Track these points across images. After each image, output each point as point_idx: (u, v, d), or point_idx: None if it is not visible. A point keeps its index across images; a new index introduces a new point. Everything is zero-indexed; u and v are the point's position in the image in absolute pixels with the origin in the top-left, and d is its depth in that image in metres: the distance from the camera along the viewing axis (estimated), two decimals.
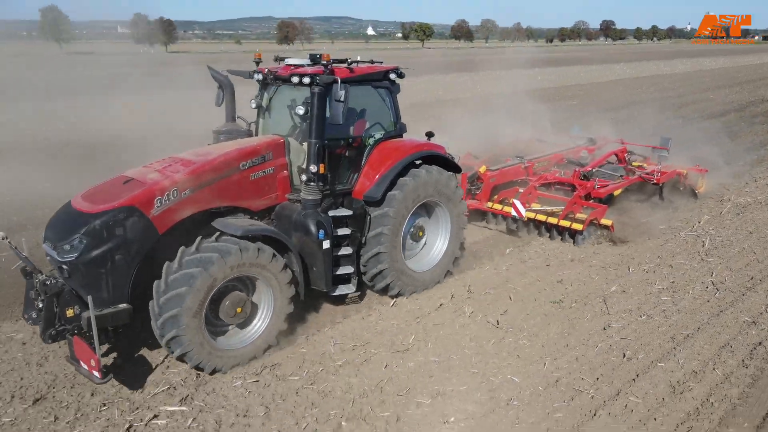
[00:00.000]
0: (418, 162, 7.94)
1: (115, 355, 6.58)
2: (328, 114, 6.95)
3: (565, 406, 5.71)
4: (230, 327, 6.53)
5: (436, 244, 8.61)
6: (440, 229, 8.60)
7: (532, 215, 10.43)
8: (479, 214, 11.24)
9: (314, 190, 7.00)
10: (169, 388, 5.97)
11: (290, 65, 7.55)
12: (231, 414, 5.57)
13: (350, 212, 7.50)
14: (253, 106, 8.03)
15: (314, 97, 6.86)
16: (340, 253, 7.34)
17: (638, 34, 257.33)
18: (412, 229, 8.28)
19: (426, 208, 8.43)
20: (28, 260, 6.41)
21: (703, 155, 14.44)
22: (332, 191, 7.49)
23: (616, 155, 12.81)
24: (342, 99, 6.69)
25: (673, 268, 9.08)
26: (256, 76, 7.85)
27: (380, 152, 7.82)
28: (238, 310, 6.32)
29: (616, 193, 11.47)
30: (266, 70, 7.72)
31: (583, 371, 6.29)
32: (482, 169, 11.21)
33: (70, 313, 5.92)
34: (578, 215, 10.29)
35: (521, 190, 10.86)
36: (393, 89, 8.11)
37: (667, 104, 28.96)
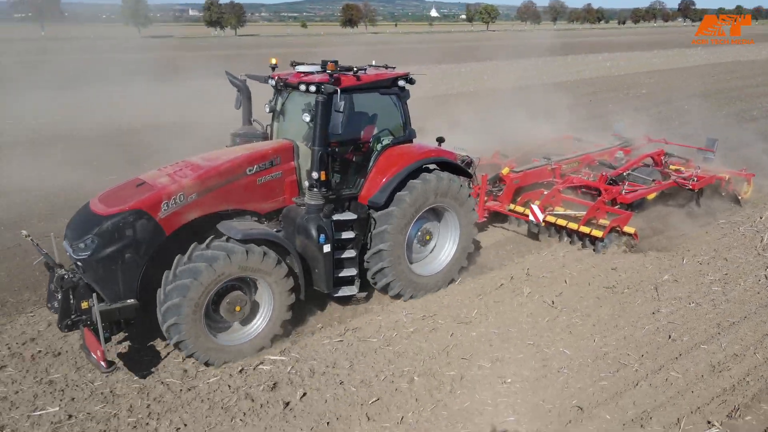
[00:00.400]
0: (431, 167, 8.15)
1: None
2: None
3: (610, 376, 6.47)
4: (232, 324, 6.94)
5: (444, 250, 8.68)
6: (449, 235, 8.64)
7: (552, 219, 10.11)
8: (501, 216, 11.07)
9: (317, 195, 7.20)
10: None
11: (300, 72, 7.64)
12: (322, 365, 6.68)
13: (355, 216, 7.70)
14: (267, 110, 8.22)
15: (318, 106, 7.05)
16: (343, 256, 7.59)
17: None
18: (419, 233, 8.37)
19: (436, 214, 8.51)
20: (49, 256, 6.96)
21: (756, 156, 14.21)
22: (338, 195, 7.69)
23: (652, 158, 12.15)
24: (341, 110, 6.83)
25: (728, 260, 9.49)
26: (270, 81, 8.03)
27: (387, 158, 7.90)
28: (237, 308, 6.73)
29: (650, 197, 11.18)
30: (277, 76, 7.96)
31: (630, 348, 7.00)
32: (505, 170, 11.01)
33: (84, 305, 6.37)
34: (601, 221, 9.94)
35: (546, 193, 10.64)
36: (402, 95, 8.09)
37: (741, 95, 28.03)
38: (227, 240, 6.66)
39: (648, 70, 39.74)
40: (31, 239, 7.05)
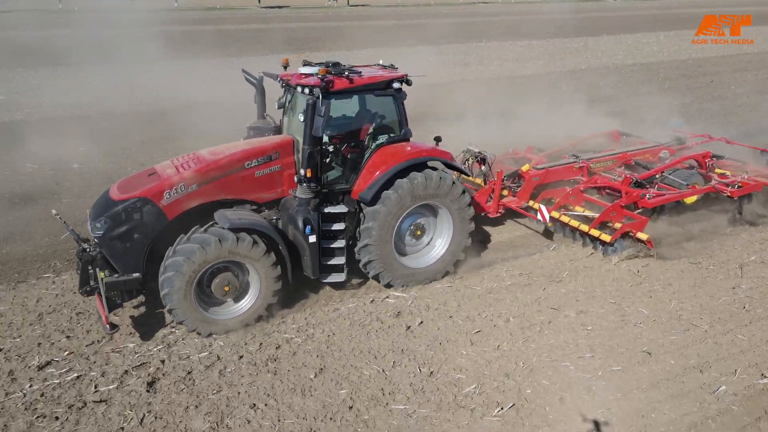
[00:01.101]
0: (431, 164, 8.61)
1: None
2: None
3: (680, 333, 7.60)
4: (225, 300, 7.71)
5: (438, 243, 9.05)
6: (444, 230, 8.99)
7: (566, 219, 9.93)
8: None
9: (305, 190, 7.83)
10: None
11: (302, 74, 8.14)
12: (435, 302, 8.39)
13: (346, 209, 8.25)
14: (277, 107, 8.90)
15: (308, 108, 7.57)
16: (333, 246, 8.18)
17: None
18: (411, 227, 8.80)
19: (432, 210, 8.88)
20: (74, 232, 7.95)
21: None
22: (332, 189, 8.34)
23: (696, 160, 11.54)
24: (321, 114, 7.35)
25: None
26: (279, 81, 8.82)
27: (379, 156, 8.33)
28: (226, 288, 7.50)
29: (689, 201, 10.89)
30: (279, 78, 8.79)
31: (704, 314, 8.02)
32: (525, 167, 10.95)
33: (101, 275, 7.26)
34: (616, 225, 9.61)
35: (569, 190, 10.43)
36: (398, 96, 8.38)
37: None
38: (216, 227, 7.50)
39: (705, 56, 33.92)
40: (59, 217, 8.22)
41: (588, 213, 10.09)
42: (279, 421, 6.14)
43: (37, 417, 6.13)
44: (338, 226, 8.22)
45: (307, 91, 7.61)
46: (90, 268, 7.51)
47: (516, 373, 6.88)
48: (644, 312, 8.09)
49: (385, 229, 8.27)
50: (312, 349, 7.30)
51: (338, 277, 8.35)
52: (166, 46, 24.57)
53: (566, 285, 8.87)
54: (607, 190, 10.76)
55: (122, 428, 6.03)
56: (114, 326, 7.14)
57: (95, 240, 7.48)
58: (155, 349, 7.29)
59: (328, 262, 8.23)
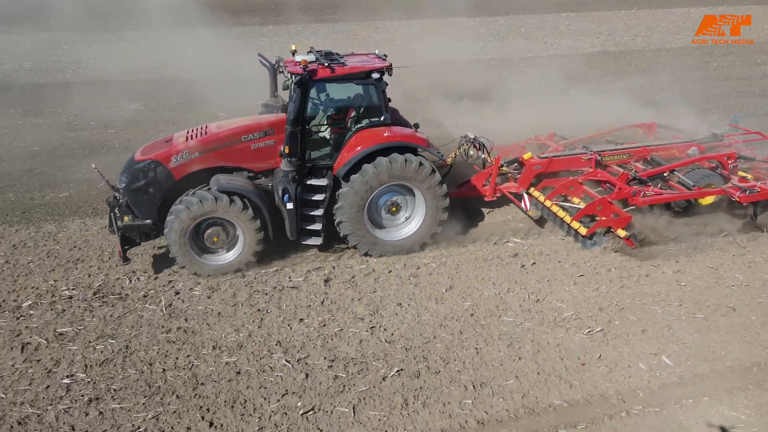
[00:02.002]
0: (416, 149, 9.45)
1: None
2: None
3: None
4: (218, 250, 9.25)
5: (414, 219, 9.88)
6: (418, 208, 9.79)
7: (555, 209, 10.28)
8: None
9: (287, 164, 8.86)
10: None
11: (297, 61, 8.87)
12: (547, 250, 10.02)
13: (326, 183, 9.35)
14: (282, 88, 9.80)
15: (290, 93, 8.85)
16: (312, 213, 9.36)
17: None
18: (388, 203, 9.71)
19: (409, 189, 9.66)
20: (108, 183, 9.58)
21: None
22: (316, 165, 9.42)
23: (719, 160, 10.85)
24: (293, 101, 8.62)
25: None
26: (278, 65, 9.92)
27: (357, 138, 9.25)
28: (215, 239, 9.08)
29: (705, 202, 10.72)
30: (276, 63, 9.93)
31: None
32: (527, 155, 11.16)
33: (126, 219, 9.14)
34: (602, 218, 9.89)
35: (566, 180, 10.63)
36: (378, 85, 9.16)
37: None
38: (209, 189, 8.96)
39: None
40: (98, 170, 9.81)
41: (581, 204, 10.31)
42: (418, 316, 8.32)
43: (254, 292, 8.89)
44: (318, 197, 9.38)
45: (294, 78, 8.71)
46: (117, 212, 9.28)
47: (609, 308, 8.42)
48: (739, 278, 9.10)
49: (354, 208, 9.29)
50: (444, 272, 9.35)
51: (316, 241, 9.58)
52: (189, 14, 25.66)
53: (668, 247, 10.02)
54: (608, 184, 10.66)
55: (309, 306, 8.58)
56: (127, 259, 9.21)
57: (121, 191, 9.24)
58: (329, 259, 9.81)
59: (308, 227, 9.47)
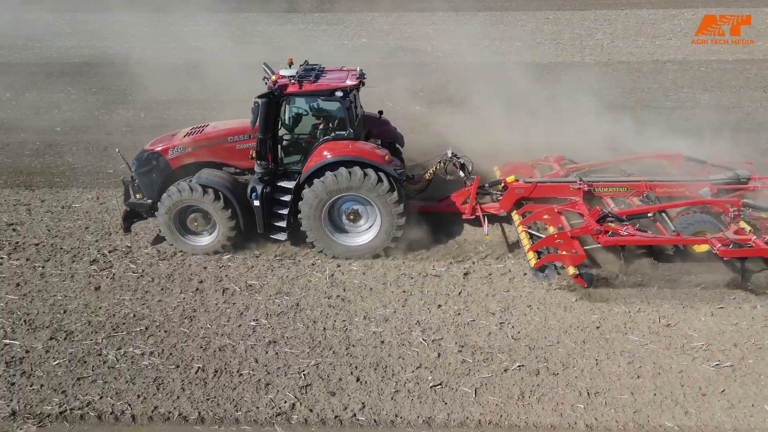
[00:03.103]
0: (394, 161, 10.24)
1: None
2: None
3: None
4: (201, 233, 10.70)
5: (372, 229, 10.47)
6: (375, 217, 10.37)
7: (523, 235, 10.42)
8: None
9: (258, 166, 10.05)
10: None
11: (280, 74, 10.10)
12: None
13: (292, 185, 10.28)
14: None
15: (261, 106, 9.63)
16: (279, 212, 10.33)
17: None
18: (348, 211, 10.43)
19: (367, 200, 10.18)
20: (128, 164, 11.24)
21: None
22: (287, 168, 10.44)
23: (720, 206, 9.96)
24: (253, 113, 9.55)
25: None
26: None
27: (321, 149, 10.07)
28: (195, 223, 10.53)
29: (699, 249, 9.84)
30: (267, 69, 10.63)
31: None
32: (510, 178, 11.03)
33: (137, 197, 10.99)
34: (562, 252, 9.65)
35: (543, 208, 10.48)
36: (342, 102, 9.91)
37: None
38: (191, 181, 10.30)
39: None
40: (121, 154, 11.54)
41: (541, 234, 10.32)
42: (545, 320, 9.05)
43: (402, 274, 10.23)
44: (285, 198, 10.33)
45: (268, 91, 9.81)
46: (129, 190, 11.21)
47: (744, 345, 8.39)
48: None
49: (311, 218, 10.20)
50: (578, 288, 9.85)
51: (281, 236, 10.56)
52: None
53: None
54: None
55: (448, 294, 9.69)
56: (128, 230, 11.23)
57: (133, 173, 11.10)
58: (470, 255, 10.82)
59: (276, 223, 10.48)
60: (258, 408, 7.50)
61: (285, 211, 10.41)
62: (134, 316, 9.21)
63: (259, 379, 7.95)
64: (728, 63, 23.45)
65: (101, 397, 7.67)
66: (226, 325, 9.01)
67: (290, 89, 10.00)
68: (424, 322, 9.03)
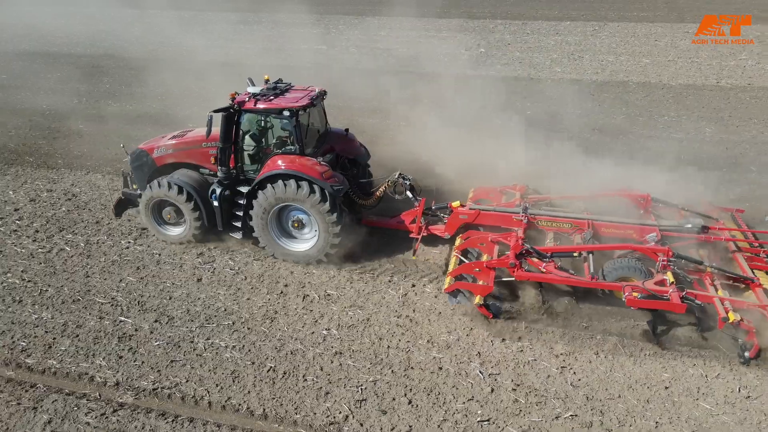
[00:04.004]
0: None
1: None
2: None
3: None
4: (177, 225, 12.16)
5: (313, 237, 11.28)
6: (315, 227, 11.15)
7: (454, 259, 10.71)
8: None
9: (220, 170, 11.27)
10: None
11: (248, 91, 11.16)
12: None
13: (246, 190, 11.29)
14: None
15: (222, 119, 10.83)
16: (237, 212, 11.51)
17: None
18: (293, 219, 11.35)
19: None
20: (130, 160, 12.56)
21: None
22: (246, 175, 11.58)
23: (646, 253, 9.68)
24: (207, 125, 10.69)
25: None
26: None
27: (272, 161, 11.08)
28: (168, 216, 12.00)
29: (618, 295, 9.39)
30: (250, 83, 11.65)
31: None
32: (455, 203, 11.36)
33: (134, 187, 12.55)
34: (480, 281, 9.82)
35: (479, 235, 10.85)
36: (289, 120, 10.82)
37: None
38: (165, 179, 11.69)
39: None
40: (124, 148, 13.00)
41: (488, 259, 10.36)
42: (610, 371, 8.81)
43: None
44: (241, 201, 11.46)
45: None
46: (128, 181, 12.78)
47: None
48: None
49: (260, 221, 11.25)
50: (652, 337, 9.44)
51: (237, 235, 11.81)
52: None
53: None
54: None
55: (515, 329, 9.73)
56: (119, 215, 13.05)
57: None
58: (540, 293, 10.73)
59: (233, 223, 11.72)
60: (315, 414, 8.20)
61: (240, 213, 11.64)
62: (225, 310, 10.35)
63: (321, 387, 8.65)
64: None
65: (187, 381, 8.81)
66: (300, 330, 9.83)
67: (246, 106, 11.04)
68: (485, 355, 9.21)
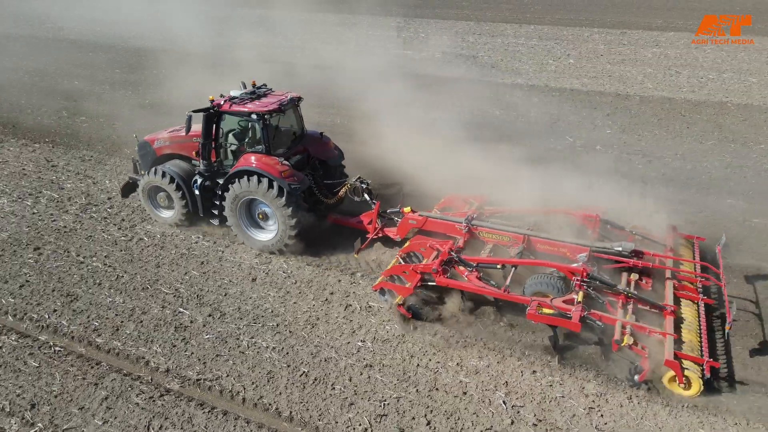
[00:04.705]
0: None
1: None
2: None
3: None
4: (169, 208, 13.81)
5: (274, 228, 12.50)
6: (276, 220, 12.32)
7: (393, 261, 11.33)
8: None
9: (201, 163, 12.72)
10: None
11: (230, 94, 12.51)
12: None
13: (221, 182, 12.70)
14: None
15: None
16: (215, 201, 12.83)
17: None
18: (259, 211, 12.63)
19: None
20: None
21: None
22: (224, 169, 12.85)
23: (563, 271, 10.02)
24: (186, 123, 12.32)
25: None
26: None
27: (243, 158, 12.33)
28: (161, 200, 13.73)
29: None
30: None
31: None
32: (407, 209, 12.18)
33: (142, 173, 13.91)
34: (406, 282, 10.51)
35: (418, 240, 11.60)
36: (257, 122, 12.00)
37: None
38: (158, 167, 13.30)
39: None
40: (136, 138, 14.17)
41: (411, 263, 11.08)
42: (641, 418, 8.50)
43: (514, 331, 10.39)
44: (218, 191, 12.72)
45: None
46: (138, 167, 14.42)
47: None
48: None
49: (230, 211, 12.65)
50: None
51: (215, 221, 13.28)
52: None
53: None
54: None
55: (548, 362, 9.62)
56: (126, 196, 14.85)
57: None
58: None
59: (211, 210, 13.11)
60: (336, 423, 8.63)
61: (217, 203, 12.98)
62: (272, 311, 11.04)
63: (346, 397, 9.06)
64: None
65: (227, 376, 9.55)
66: (338, 339, 10.30)
67: (223, 108, 12.24)
68: (512, 384, 9.20)
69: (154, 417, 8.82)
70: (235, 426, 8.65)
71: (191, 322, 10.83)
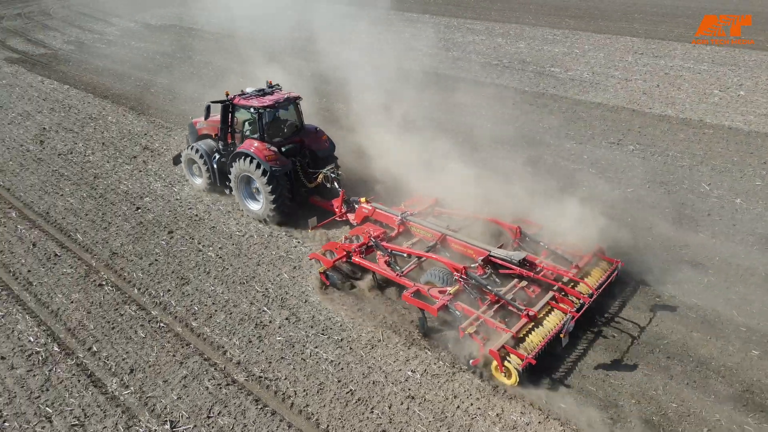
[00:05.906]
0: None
1: None
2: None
3: None
4: (200, 176, 17.35)
5: (262, 200, 15.34)
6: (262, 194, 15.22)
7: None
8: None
9: (219, 143, 16.27)
10: None
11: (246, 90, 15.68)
12: None
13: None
14: None
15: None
16: (229, 175, 15.76)
17: None
18: (253, 186, 15.53)
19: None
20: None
21: None
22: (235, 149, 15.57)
23: (450, 267, 11.78)
24: (205, 111, 16.55)
25: None
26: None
27: (245, 143, 15.18)
28: (195, 170, 17.42)
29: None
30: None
31: None
32: (363, 199, 14.60)
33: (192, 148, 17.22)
34: (333, 256, 12.88)
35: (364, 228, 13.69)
36: (254, 114, 14.99)
37: None
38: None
39: None
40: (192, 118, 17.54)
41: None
42: None
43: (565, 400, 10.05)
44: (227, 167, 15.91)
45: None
46: (189, 141, 17.89)
47: None
48: None
49: (234, 184, 15.71)
50: None
51: (227, 191, 16.48)
52: None
53: None
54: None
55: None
56: (177, 163, 18.54)
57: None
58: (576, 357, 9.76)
59: (226, 182, 16.24)
60: None
61: (230, 175, 15.76)
62: (340, 326, 11.85)
63: (380, 423, 9.55)
64: None
65: (285, 378, 10.56)
66: (391, 364, 10.78)
67: (236, 101, 15.19)
68: None
69: (216, 403, 10.12)
70: (278, 427, 9.60)
71: (270, 321, 12.05)
